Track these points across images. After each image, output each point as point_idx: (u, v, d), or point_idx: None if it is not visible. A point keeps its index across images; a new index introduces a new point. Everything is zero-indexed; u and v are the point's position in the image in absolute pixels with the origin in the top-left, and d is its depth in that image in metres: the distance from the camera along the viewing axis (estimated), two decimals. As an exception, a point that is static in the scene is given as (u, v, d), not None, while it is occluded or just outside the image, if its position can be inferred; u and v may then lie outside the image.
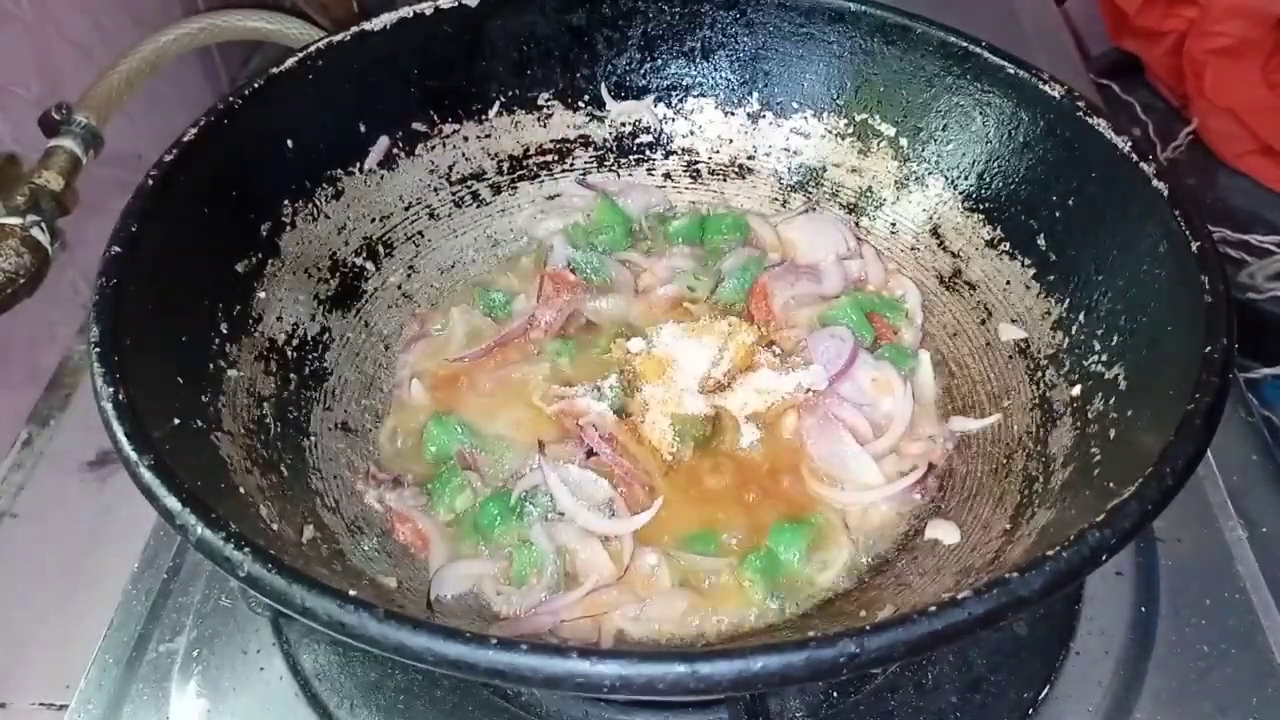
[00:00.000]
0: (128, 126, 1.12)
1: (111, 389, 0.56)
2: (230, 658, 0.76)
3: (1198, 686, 0.75)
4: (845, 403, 0.79)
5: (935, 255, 0.88)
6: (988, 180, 0.84)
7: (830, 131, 0.93)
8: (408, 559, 0.72)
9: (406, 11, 0.85)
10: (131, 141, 1.14)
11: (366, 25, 0.83)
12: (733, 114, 0.96)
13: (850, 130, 0.92)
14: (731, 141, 0.97)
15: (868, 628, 0.45)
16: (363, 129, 0.86)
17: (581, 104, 0.95)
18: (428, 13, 0.86)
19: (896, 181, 0.91)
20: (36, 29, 1.05)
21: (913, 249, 0.90)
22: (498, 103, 0.92)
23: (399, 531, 0.73)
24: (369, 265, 0.87)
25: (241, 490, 0.63)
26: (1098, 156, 0.75)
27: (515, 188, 0.95)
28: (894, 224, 0.91)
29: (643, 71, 0.95)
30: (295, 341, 0.79)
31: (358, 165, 0.86)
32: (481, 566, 0.71)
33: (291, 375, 0.77)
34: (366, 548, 0.70)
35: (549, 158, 0.96)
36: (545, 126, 0.95)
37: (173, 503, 0.51)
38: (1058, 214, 0.78)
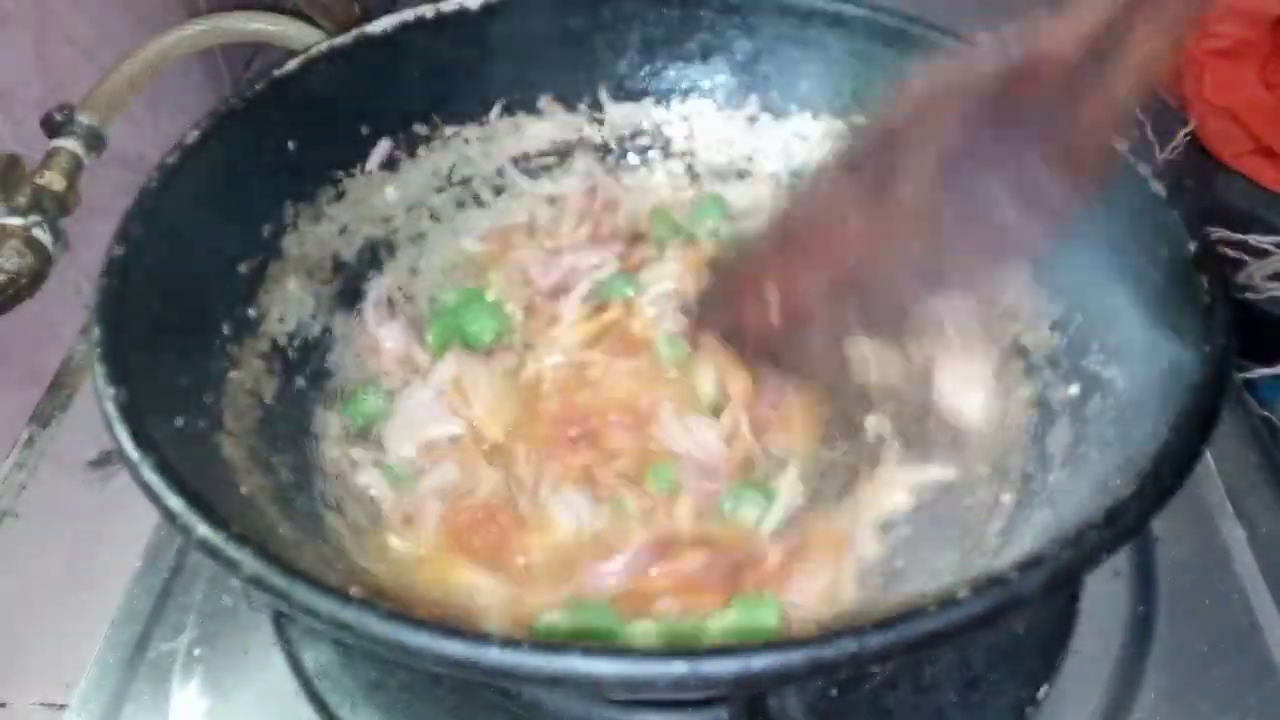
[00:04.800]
0: (130, 127, 1.13)
1: (113, 389, 0.56)
2: (232, 657, 0.76)
3: (1197, 686, 0.75)
4: (845, 403, 0.80)
5: (934, 256, 0.88)
6: (987, 181, 0.84)
7: (830, 134, 0.93)
8: (409, 559, 0.72)
9: (408, 15, 0.85)
10: (134, 142, 1.15)
11: (368, 28, 0.83)
12: (732, 117, 0.96)
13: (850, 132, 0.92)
14: (731, 144, 0.97)
15: (868, 626, 0.45)
16: (364, 131, 0.86)
17: (581, 106, 0.95)
18: (429, 16, 0.86)
19: (896, 183, 0.91)
20: (38, 30, 1.05)
21: (912, 250, 0.90)
22: (498, 105, 0.92)
23: (400, 531, 0.73)
24: (371, 266, 0.87)
25: (244, 491, 0.63)
26: (1096, 158, 0.75)
27: (516, 189, 0.95)
28: (893, 225, 0.91)
29: (642, 74, 0.95)
30: (297, 343, 0.79)
31: (359, 167, 0.86)
32: (482, 566, 0.72)
33: (294, 376, 0.77)
34: (369, 547, 0.70)
35: (549, 159, 0.96)
36: (545, 128, 0.95)
37: (175, 503, 0.51)
38: (1056, 215, 0.78)
